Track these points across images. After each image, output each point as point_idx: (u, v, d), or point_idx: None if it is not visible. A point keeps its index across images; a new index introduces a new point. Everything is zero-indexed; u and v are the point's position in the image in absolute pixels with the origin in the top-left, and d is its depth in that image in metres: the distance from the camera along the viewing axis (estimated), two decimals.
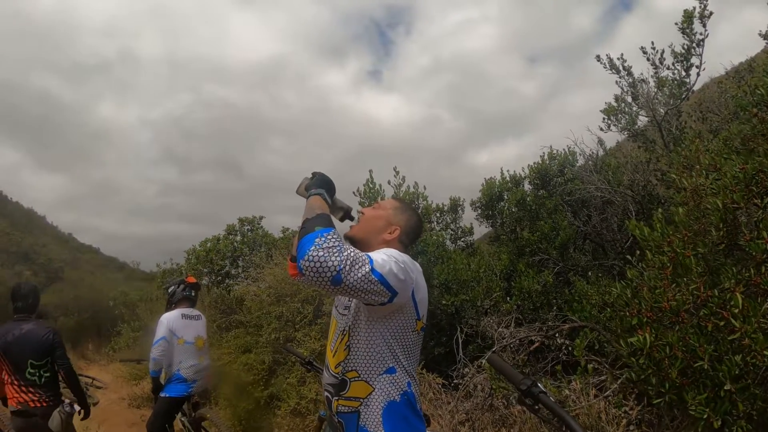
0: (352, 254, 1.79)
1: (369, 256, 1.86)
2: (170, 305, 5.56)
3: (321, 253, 1.73)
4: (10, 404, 4.48)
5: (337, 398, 2.15)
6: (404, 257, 2.03)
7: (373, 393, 2.07)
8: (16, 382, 4.46)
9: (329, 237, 1.78)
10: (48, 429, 4.46)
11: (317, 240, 1.76)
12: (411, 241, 2.38)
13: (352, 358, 2.12)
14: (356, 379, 2.09)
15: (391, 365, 2.08)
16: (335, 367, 2.17)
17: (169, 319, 5.32)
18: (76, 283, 25.48)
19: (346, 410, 2.11)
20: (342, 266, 1.73)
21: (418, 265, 2.20)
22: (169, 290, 5.65)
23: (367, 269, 1.80)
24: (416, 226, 2.38)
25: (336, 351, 2.18)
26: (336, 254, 1.74)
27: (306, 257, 1.73)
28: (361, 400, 2.08)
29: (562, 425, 1.68)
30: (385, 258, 1.92)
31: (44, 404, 4.54)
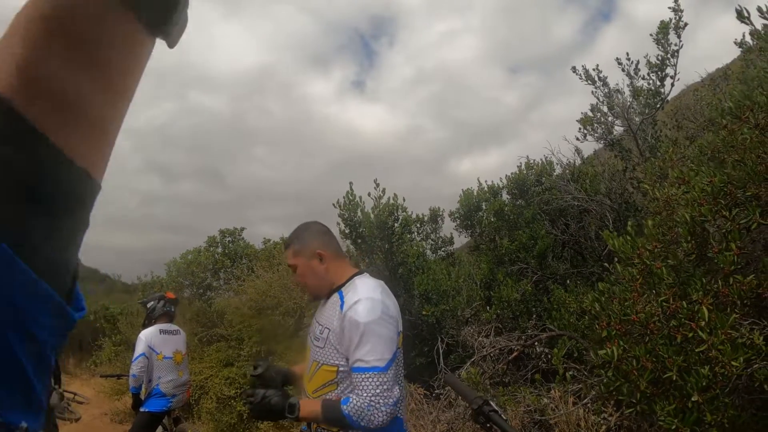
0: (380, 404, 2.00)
1: (381, 368, 2.01)
2: (150, 321, 5.55)
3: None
4: None
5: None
6: (380, 312, 2.07)
7: None
8: None
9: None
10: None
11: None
12: (331, 240, 2.39)
13: (328, 388, 2.16)
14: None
15: None
16: (312, 393, 2.20)
17: (148, 335, 5.33)
18: None
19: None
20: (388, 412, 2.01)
21: (386, 290, 2.24)
22: (149, 305, 5.64)
23: (389, 392, 2.02)
24: (317, 230, 2.37)
25: (312, 377, 2.21)
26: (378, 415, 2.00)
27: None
28: None
29: None
30: (378, 347, 2.02)
31: None
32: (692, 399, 2.62)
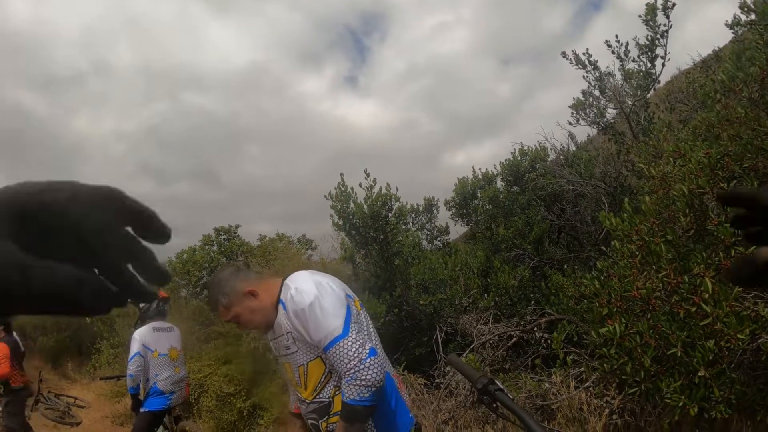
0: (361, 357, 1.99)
1: (341, 334, 2.01)
2: (143, 321, 5.48)
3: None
4: (13, 384, 6.72)
5: (325, 420, 2.16)
6: (314, 288, 2.11)
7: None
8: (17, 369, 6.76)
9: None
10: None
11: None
12: (245, 273, 2.36)
13: (326, 380, 2.14)
14: (338, 393, 2.09)
15: None
16: (312, 396, 2.18)
17: (141, 334, 5.26)
18: None
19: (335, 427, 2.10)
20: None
21: (317, 273, 2.29)
22: (141, 306, 5.56)
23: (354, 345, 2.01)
24: (230, 275, 2.33)
25: (306, 381, 2.19)
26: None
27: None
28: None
29: (518, 421, 1.66)
30: (328, 318, 2.04)
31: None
32: (699, 374, 2.57)
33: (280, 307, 2.16)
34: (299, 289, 2.09)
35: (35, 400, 10.75)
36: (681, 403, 2.61)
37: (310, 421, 2.25)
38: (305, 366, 2.16)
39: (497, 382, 1.80)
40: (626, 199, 3.82)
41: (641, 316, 2.98)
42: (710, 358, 2.58)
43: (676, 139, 4.32)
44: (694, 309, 2.71)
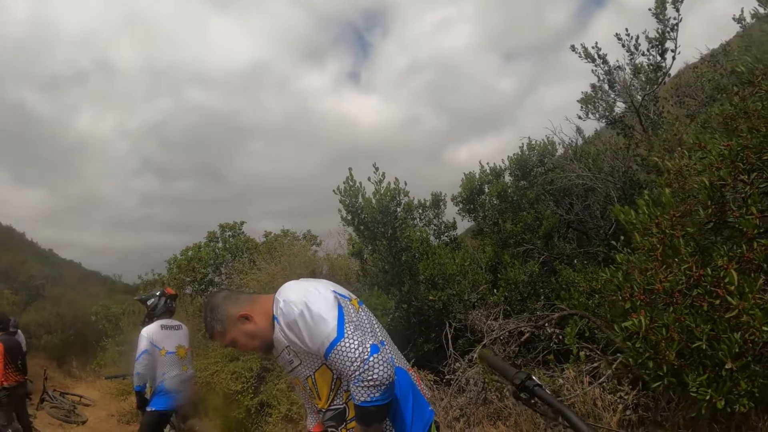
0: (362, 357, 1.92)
1: (336, 337, 1.95)
2: (151, 318, 5.43)
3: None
4: (5, 383, 6.73)
5: (343, 426, 2.13)
6: (301, 297, 2.06)
7: None
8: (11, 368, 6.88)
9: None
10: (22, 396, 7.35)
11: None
12: (237, 296, 2.33)
13: (336, 386, 2.11)
14: (351, 397, 2.03)
15: None
16: (327, 404, 2.15)
17: (149, 332, 5.22)
18: (58, 299, 24.80)
19: None
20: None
21: (303, 280, 2.25)
22: (149, 303, 5.52)
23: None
24: (222, 299, 2.29)
25: (318, 391, 2.16)
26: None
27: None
28: None
29: (559, 418, 1.61)
30: (319, 324, 1.99)
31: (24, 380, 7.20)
32: (726, 367, 2.53)
33: (275, 322, 2.13)
34: (287, 301, 2.05)
35: (41, 398, 10.78)
36: (708, 397, 2.57)
37: (330, 430, 2.21)
38: (312, 377, 2.13)
39: (534, 377, 1.75)
40: (646, 192, 3.78)
41: (664, 309, 2.94)
42: (737, 350, 2.54)
43: (695, 131, 4.27)
44: (718, 302, 2.67)
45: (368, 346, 1.93)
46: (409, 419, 2.08)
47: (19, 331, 10.82)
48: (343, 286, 2.29)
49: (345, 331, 1.95)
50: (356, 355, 1.90)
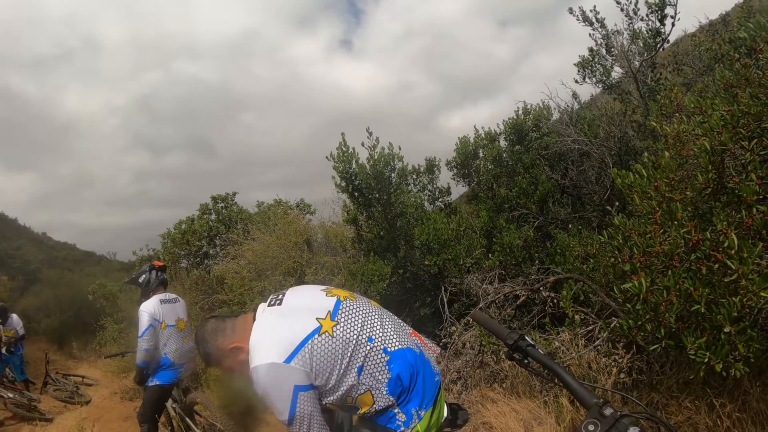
0: None
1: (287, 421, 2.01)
2: (147, 294, 5.41)
3: None
4: None
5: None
6: (265, 379, 2.04)
7: (374, 404, 2.07)
8: None
9: None
10: None
11: None
12: (224, 326, 2.31)
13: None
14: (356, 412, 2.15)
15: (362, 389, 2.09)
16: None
17: (149, 307, 5.18)
18: (55, 282, 24.59)
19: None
20: None
21: (271, 320, 2.20)
22: (141, 279, 5.48)
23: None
24: (212, 332, 2.28)
25: None
26: None
27: None
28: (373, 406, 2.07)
29: (553, 377, 1.63)
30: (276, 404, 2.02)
31: None
32: (724, 330, 2.57)
33: None
34: (254, 369, 2.02)
35: (44, 381, 10.89)
36: (706, 359, 2.61)
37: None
38: None
39: (527, 337, 1.78)
40: (646, 154, 3.78)
41: (663, 272, 2.96)
42: (735, 314, 2.58)
43: (696, 94, 4.25)
44: (716, 266, 2.69)
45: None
46: (420, 397, 2.08)
47: (15, 315, 10.94)
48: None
49: (294, 421, 2.00)
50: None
